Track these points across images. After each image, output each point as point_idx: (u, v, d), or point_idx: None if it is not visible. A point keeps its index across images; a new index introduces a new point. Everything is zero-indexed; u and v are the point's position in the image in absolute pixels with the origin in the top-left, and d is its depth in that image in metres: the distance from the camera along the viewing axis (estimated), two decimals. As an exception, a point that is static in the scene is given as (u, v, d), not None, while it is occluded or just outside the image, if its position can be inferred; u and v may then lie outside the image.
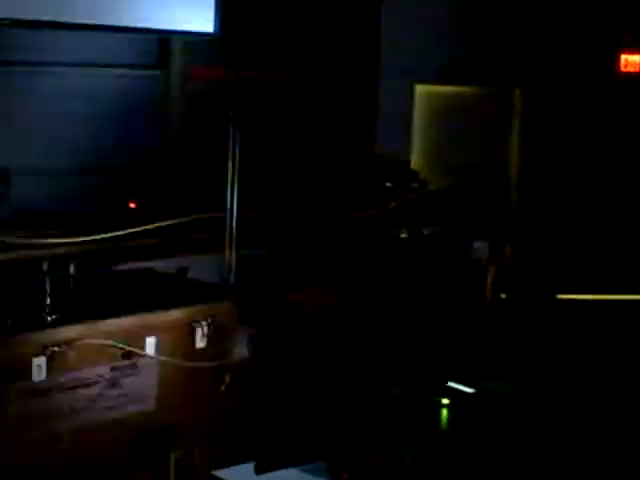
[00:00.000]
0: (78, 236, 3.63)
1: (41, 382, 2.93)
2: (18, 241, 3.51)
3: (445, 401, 3.51)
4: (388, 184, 4.05)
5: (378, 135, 4.69)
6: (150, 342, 3.15)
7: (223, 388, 3.31)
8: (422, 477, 3.11)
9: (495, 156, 4.74)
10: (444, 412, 3.52)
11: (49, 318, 3.01)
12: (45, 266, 3.16)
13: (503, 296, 4.00)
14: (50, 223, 3.67)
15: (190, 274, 3.69)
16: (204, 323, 3.25)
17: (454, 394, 3.55)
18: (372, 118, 4.63)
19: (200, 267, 3.73)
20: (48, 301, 3.09)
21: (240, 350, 3.45)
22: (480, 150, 4.70)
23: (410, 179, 4.15)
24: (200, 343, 3.26)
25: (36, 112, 3.80)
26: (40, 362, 2.92)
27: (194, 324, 3.23)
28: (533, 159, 5.02)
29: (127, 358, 3.10)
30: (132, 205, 3.81)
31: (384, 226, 3.98)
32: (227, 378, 3.32)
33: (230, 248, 3.64)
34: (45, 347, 2.90)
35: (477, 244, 3.93)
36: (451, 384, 3.59)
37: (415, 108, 4.63)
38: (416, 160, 4.56)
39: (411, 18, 4.80)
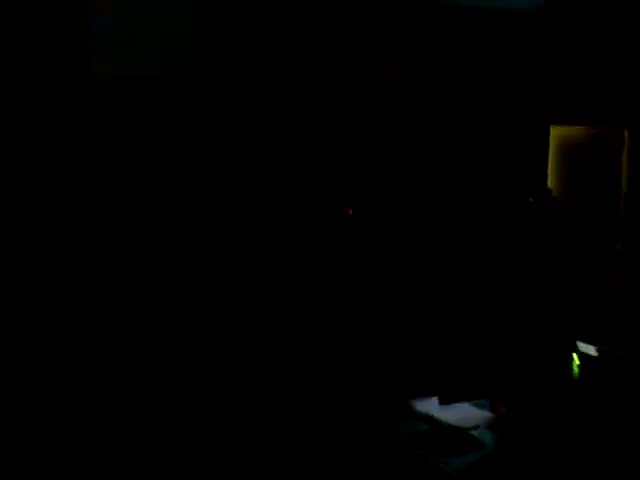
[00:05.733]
0: None
1: None
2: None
3: (575, 357, 4.55)
4: (530, 199, 5.31)
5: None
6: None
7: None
8: (558, 414, 4.06)
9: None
10: (575, 366, 4.53)
11: None
12: None
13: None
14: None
15: None
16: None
17: (583, 352, 4.58)
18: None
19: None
20: None
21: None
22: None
23: (547, 195, 5.40)
24: None
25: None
26: None
27: None
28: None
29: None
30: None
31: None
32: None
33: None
34: None
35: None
36: (580, 344, 4.64)
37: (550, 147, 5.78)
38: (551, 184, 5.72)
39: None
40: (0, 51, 4.14)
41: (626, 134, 5.67)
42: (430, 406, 4.17)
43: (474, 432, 3.89)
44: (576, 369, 4.42)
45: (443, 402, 4.16)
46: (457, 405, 4.22)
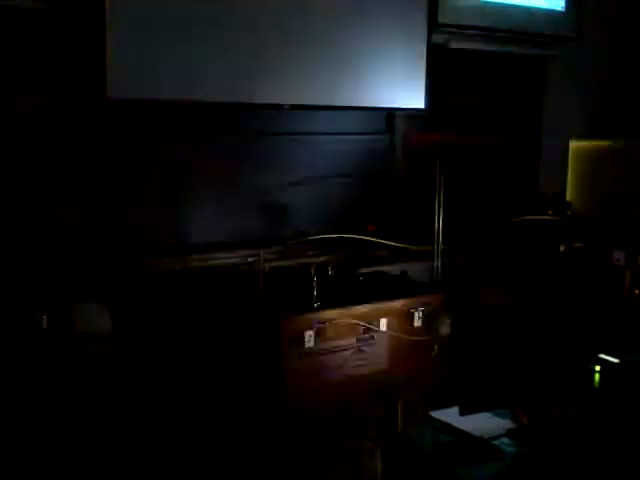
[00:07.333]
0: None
1: (310, 348, 4.40)
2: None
3: (597, 368, 4.56)
4: (550, 212, 5.40)
5: (542, 180, 6.05)
6: (383, 322, 4.64)
7: (433, 354, 4.78)
8: (581, 426, 3.97)
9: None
10: (596, 377, 4.57)
11: (315, 305, 4.54)
12: (313, 270, 4.69)
13: (637, 292, 5.13)
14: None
15: (410, 275, 5.26)
16: (420, 309, 4.76)
17: (604, 363, 4.61)
18: (537, 168, 6.01)
19: (417, 271, 5.26)
20: (315, 293, 4.60)
21: (445, 328, 4.84)
22: (621, 190, 5.79)
23: (566, 208, 5.47)
24: (417, 323, 4.77)
25: (300, 169, 5.40)
26: (310, 334, 4.39)
27: (412, 310, 4.74)
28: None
29: (367, 333, 4.59)
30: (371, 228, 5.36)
31: (548, 241, 5.33)
32: (436, 347, 4.79)
33: (437, 258, 5.16)
34: (313, 324, 4.39)
35: (616, 254, 5.10)
36: (602, 355, 4.65)
37: (569, 159, 5.88)
38: (571, 196, 5.81)
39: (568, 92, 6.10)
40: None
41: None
42: (451, 415, 4.09)
43: (496, 442, 3.84)
44: (597, 379, 4.41)
45: (464, 413, 4.10)
46: (479, 415, 4.15)
